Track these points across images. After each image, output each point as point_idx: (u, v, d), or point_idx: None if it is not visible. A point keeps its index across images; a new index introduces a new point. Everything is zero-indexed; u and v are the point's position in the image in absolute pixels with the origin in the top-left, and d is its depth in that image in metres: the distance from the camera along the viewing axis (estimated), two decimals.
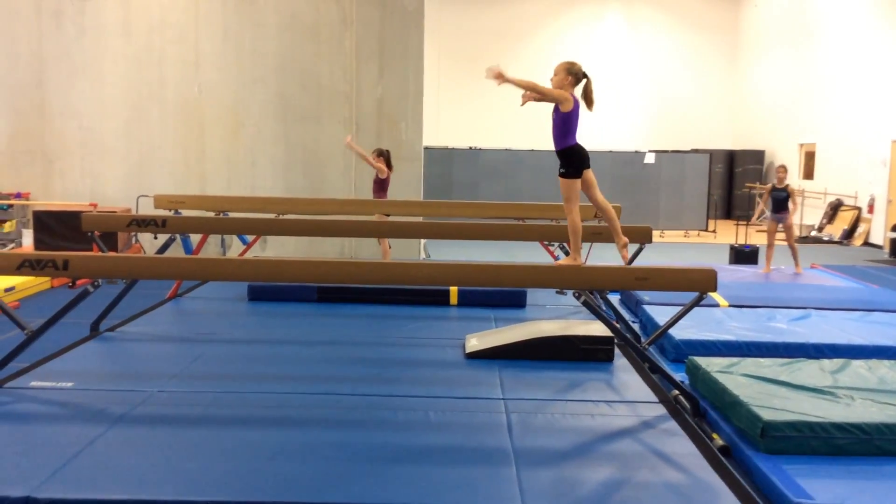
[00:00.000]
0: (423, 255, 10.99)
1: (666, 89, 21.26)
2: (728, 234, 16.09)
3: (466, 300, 7.19)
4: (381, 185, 8.48)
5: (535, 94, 4.34)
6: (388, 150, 8.61)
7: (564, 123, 4.39)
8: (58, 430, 3.84)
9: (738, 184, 20.17)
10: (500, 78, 4.25)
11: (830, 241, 16.16)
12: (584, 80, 4.40)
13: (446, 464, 3.52)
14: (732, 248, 11.23)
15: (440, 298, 7.20)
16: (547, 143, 17.62)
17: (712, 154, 17.87)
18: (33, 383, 4.55)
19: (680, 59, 21.30)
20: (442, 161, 16.52)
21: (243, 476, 3.33)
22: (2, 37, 10.67)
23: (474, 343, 5.50)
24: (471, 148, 17.12)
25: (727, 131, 21.51)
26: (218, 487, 3.20)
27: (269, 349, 5.59)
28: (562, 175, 4.49)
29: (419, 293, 7.16)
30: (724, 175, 20.41)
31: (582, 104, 4.45)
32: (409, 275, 4.71)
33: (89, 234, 6.34)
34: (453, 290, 7.22)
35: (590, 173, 4.57)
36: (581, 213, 7.57)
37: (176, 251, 7.60)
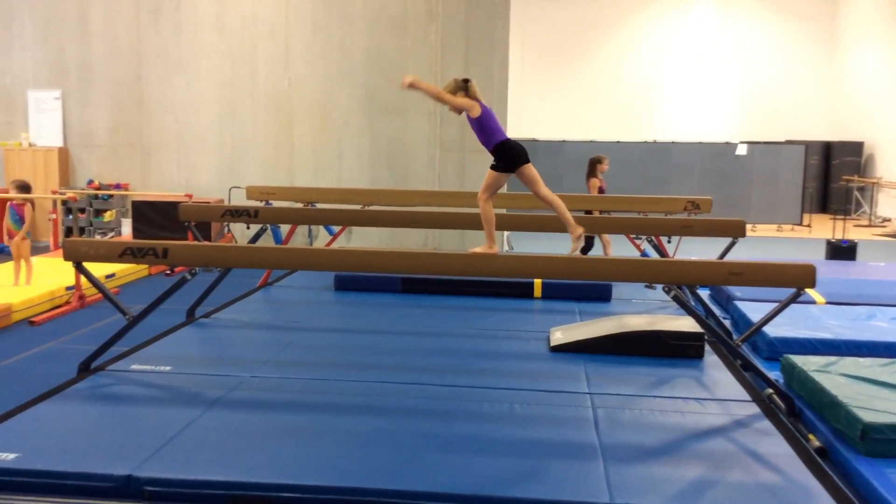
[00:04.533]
0: (506, 247, 10.97)
1: (759, 79, 20.56)
2: (824, 228, 15.48)
3: (550, 293, 7.14)
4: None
5: (441, 101, 4.46)
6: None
7: (481, 127, 4.50)
8: (157, 412, 4.01)
9: (834, 176, 19.38)
10: (410, 86, 4.39)
11: None
12: (467, 84, 4.47)
13: (532, 456, 3.51)
14: (829, 243, 10.80)
15: (524, 291, 7.16)
16: (632, 134, 17.30)
17: (808, 145, 17.19)
18: (133, 366, 4.76)
19: (774, 47, 20.56)
20: None
21: (334, 462, 3.40)
22: (104, 33, 11.13)
23: (559, 336, 5.46)
24: (533, 140, 16.97)
25: (823, 122, 20.66)
26: (310, 472, 3.28)
27: (355, 338, 5.69)
28: (492, 167, 4.54)
29: (503, 285, 7.15)
30: (820, 167, 19.62)
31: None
32: (493, 266, 4.69)
33: (186, 223, 6.57)
34: (537, 282, 7.17)
35: (530, 169, 4.57)
36: (638, 205, 7.53)
37: (265, 241, 7.79)
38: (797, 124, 20.42)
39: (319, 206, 7.55)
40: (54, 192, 9.77)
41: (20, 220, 7.24)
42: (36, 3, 11.16)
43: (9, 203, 7.31)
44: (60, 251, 7.96)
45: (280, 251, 5.27)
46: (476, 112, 4.46)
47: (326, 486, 3.16)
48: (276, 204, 7.47)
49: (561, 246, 11.25)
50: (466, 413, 4.06)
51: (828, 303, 6.43)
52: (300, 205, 7.52)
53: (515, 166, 4.52)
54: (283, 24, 10.83)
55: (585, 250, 8.97)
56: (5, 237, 7.47)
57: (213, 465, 3.33)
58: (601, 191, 8.80)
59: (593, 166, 8.79)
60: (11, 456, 3.36)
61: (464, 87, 4.48)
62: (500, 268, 4.73)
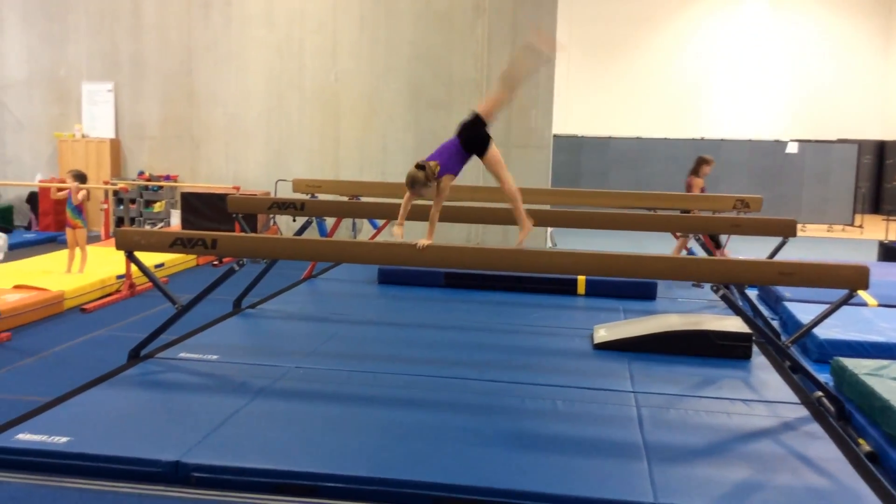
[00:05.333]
0: (549, 244, 10.91)
1: (811, 76, 20.12)
2: (876, 229, 15.12)
3: (594, 290, 7.10)
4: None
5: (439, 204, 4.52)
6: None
7: (460, 164, 4.55)
8: (204, 400, 4.07)
9: (888, 176, 18.91)
10: (426, 245, 4.48)
11: None
12: (425, 168, 4.36)
13: (575, 454, 3.49)
14: (881, 244, 10.54)
15: (567, 287, 7.13)
16: (680, 132, 16.95)
17: (861, 144, 16.80)
18: (182, 354, 4.85)
19: (826, 43, 20.09)
20: (570, 149, 16.29)
21: (376, 453, 3.42)
22: (156, 27, 11.31)
23: (603, 334, 5.42)
24: (579, 136, 16.83)
25: (877, 121, 20.15)
26: (353, 462, 3.31)
27: (398, 332, 5.72)
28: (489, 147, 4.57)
29: (546, 281, 7.13)
30: (873, 167, 19.17)
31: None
32: (538, 263, 4.67)
33: (233, 215, 6.65)
34: (581, 279, 7.14)
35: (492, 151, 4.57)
36: (686, 203, 7.38)
37: (310, 234, 7.85)
38: (850, 122, 19.96)
39: (364, 199, 7.60)
40: (106, 183, 9.96)
41: (76, 210, 7.42)
42: None
43: (68, 193, 7.49)
44: (111, 240, 8.13)
45: (325, 244, 5.31)
46: (452, 179, 4.47)
47: (368, 476, 3.19)
48: (322, 197, 7.53)
49: (605, 243, 11.17)
50: (508, 409, 4.06)
51: (880, 305, 6.27)
52: (345, 198, 7.57)
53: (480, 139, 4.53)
54: (331, 18, 10.90)
55: (717, 245, 8.62)
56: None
57: (259, 454, 3.37)
58: (702, 191, 8.61)
59: (699, 166, 8.56)
60: (63, 440, 3.45)
61: (429, 175, 4.35)
62: (545, 264, 4.70)
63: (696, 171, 8.54)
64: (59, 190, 7.66)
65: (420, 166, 4.32)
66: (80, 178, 7.56)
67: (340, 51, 10.89)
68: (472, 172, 10.65)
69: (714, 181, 15.56)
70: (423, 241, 4.45)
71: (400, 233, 4.47)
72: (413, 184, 4.34)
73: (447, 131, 10.76)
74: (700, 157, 8.62)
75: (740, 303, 5.68)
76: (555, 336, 5.63)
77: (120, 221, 11.23)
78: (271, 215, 10.40)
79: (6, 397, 4.35)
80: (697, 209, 7.34)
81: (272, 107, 11.12)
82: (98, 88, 11.51)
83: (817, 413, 4.09)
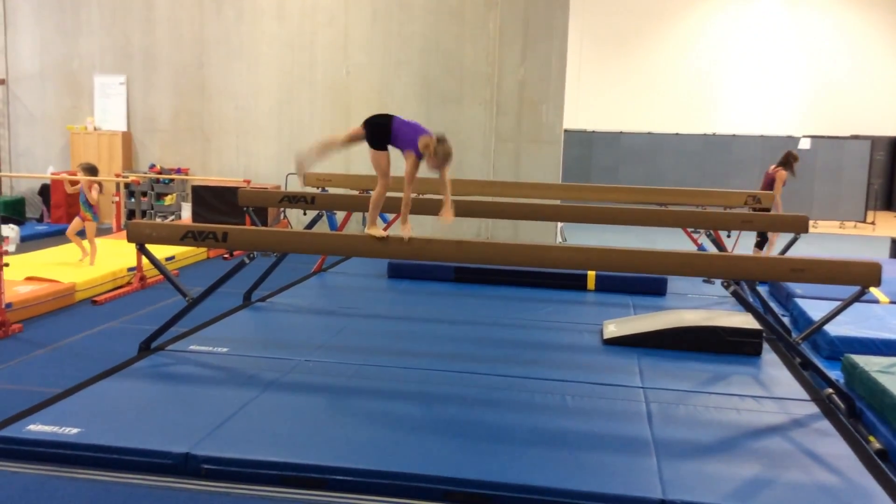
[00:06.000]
0: (559, 239, 10.89)
1: (824, 71, 19.98)
2: (888, 226, 15.03)
3: (604, 286, 7.09)
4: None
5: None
6: None
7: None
8: (215, 393, 4.09)
9: None
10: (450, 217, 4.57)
11: None
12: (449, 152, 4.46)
13: (584, 449, 3.49)
14: (894, 241, 10.45)
15: (577, 283, 7.12)
16: (692, 127, 16.76)
17: (874, 140, 16.69)
18: (192, 347, 4.87)
19: (840, 38, 19.94)
20: (581, 144, 16.25)
21: (386, 447, 3.43)
22: (168, 20, 11.34)
23: (612, 329, 5.42)
24: (588, 131, 16.78)
25: (891, 117, 20.01)
26: (361, 456, 3.32)
27: (408, 326, 5.72)
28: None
29: (556, 276, 7.12)
30: (887, 163, 19.04)
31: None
32: (549, 258, 4.67)
33: (244, 208, 6.66)
34: (591, 274, 7.12)
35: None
36: (698, 199, 7.33)
37: (320, 228, 7.86)
38: (863, 119, 19.82)
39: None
40: (118, 176, 10.00)
41: (87, 203, 7.46)
42: None
43: (80, 186, 7.52)
44: (122, 233, 8.15)
45: (335, 237, 5.32)
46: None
47: (377, 469, 3.20)
48: (332, 191, 7.54)
49: (616, 238, 11.16)
50: (518, 403, 4.06)
51: (892, 302, 6.24)
52: (355, 192, 7.57)
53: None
54: (343, 12, 10.90)
55: (761, 245, 8.55)
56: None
57: (268, 446, 3.39)
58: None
59: (792, 162, 8.47)
60: (74, 431, 3.47)
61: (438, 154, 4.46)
62: (556, 259, 4.69)
63: (789, 166, 8.43)
64: (73, 184, 7.70)
65: (443, 139, 4.42)
66: (91, 170, 7.59)
67: (352, 45, 10.89)
68: (482, 168, 10.67)
69: (725, 177, 15.52)
70: (405, 231, 4.61)
71: (409, 230, 4.50)
72: (451, 156, 4.46)
73: (458, 125, 10.82)
74: (791, 153, 8.52)
75: (751, 299, 5.65)
76: (564, 331, 5.62)
77: (131, 214, 11.28)
78: (282, 209, 10.43)
79: (18, 388, 4.38)
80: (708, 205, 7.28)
81: (283, 101, 11.13)
82: (110, 81, 11.54)
83: (827, 410, 4.07)
